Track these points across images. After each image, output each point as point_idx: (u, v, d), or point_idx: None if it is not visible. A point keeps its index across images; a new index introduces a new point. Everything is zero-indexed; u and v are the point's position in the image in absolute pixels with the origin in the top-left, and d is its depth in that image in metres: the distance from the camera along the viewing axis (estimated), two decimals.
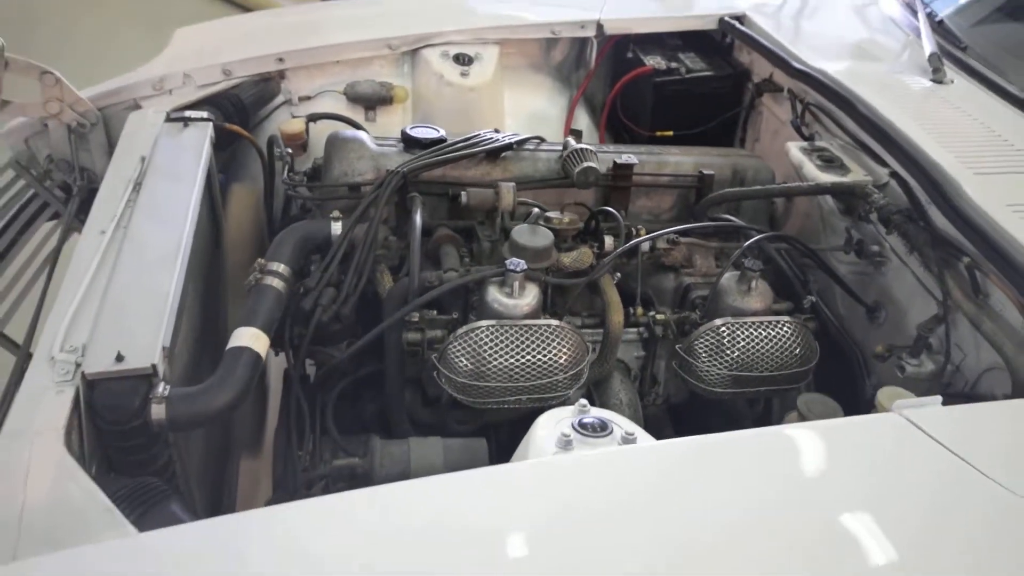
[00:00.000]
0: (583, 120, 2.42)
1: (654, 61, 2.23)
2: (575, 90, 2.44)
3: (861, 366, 1.55)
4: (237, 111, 2.06)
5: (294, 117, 2.12)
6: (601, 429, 1.09)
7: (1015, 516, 0.93)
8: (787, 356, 1.41)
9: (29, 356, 1.71)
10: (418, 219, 1.46)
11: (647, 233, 1.56)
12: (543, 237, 1.43)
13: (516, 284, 1.35)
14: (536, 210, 1.52)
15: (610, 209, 1.56)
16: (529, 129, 2.28)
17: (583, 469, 0.98)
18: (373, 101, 2.15)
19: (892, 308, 1.63)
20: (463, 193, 1.54)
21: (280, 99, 2.17)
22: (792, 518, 0.92)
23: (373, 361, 1.50)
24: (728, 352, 1.40)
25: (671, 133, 2.22)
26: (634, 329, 1.56)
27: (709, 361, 1.42)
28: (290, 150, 1.80)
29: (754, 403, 1.60)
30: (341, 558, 0.89)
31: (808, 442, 1.03)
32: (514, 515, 0.92)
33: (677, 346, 1.46)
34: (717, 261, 1.63)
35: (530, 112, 2.33)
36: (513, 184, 1.54)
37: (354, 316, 1.44)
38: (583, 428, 1.09)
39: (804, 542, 0.89)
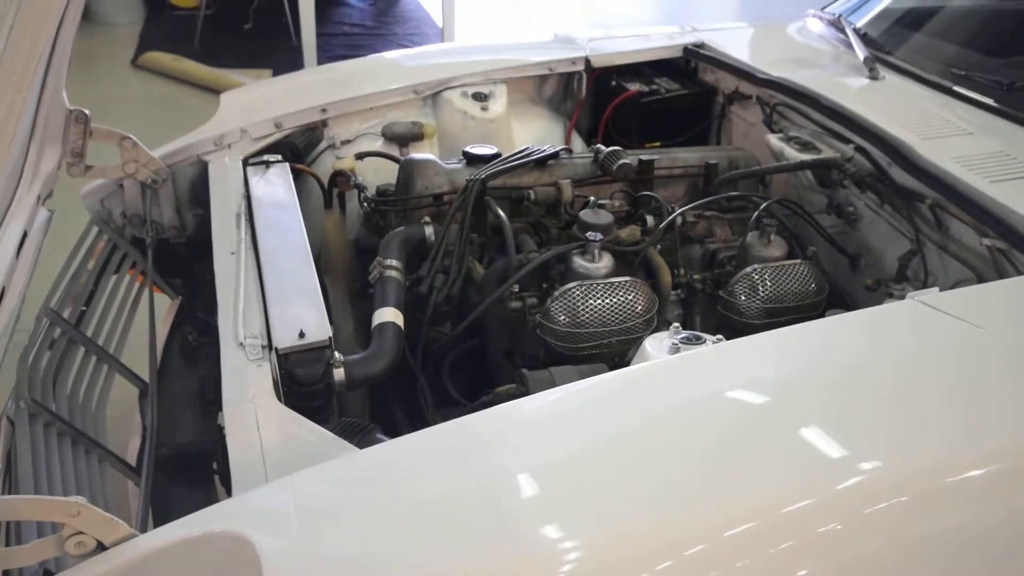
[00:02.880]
0: (577, 143, 2.81)
1: (637, 86, 2.65)
2: (566, 118, 2.83)
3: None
4: (293, 156, 2.37)
5: (338, 158, 2.43)
6: (697, 339, 1.43)
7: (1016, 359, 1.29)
8: (806, 290, 1.79)
9: (145, 384, 1.95)
10: (502, 213, 1.80)
11: (678, 208, 1.93)
12: (605, 216, 1.79)
13: (596, 251, 1.70)
14: (592, 198, 1.88)
15: (651, 193, 1.93)
16: None
17: (709, 358, 1.31)
18: (407, 138, 2.48)
19: (870, 255, 2.04)
20: (530, 191, 1.89)
21: (324, 144, 2.48)
22: (865, 373, 1.26)
23: (472, 337, 1.81)
24: (761, 290, 1.77)
25: (658, 144, 2.63)
26: (674, 291, 1.91)
27: (747, 300, 1.78)
28: (361, 178, 2.12)
29: None
30: (530, 451, 1.13)
31: (859, 324, 1.39)
32: (671, 398, 1.22)
33: (720, 291, 1.82)
34: (732, 229, 2.01)
35: (533, 139, 2.69)
36: (570, 181, 1.90)
37: (460, 296, 1.75)
38: (683, 340, 1.43)
39: (880, 391, 1.22)
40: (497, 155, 2.00)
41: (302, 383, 1.43)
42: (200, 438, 1.82)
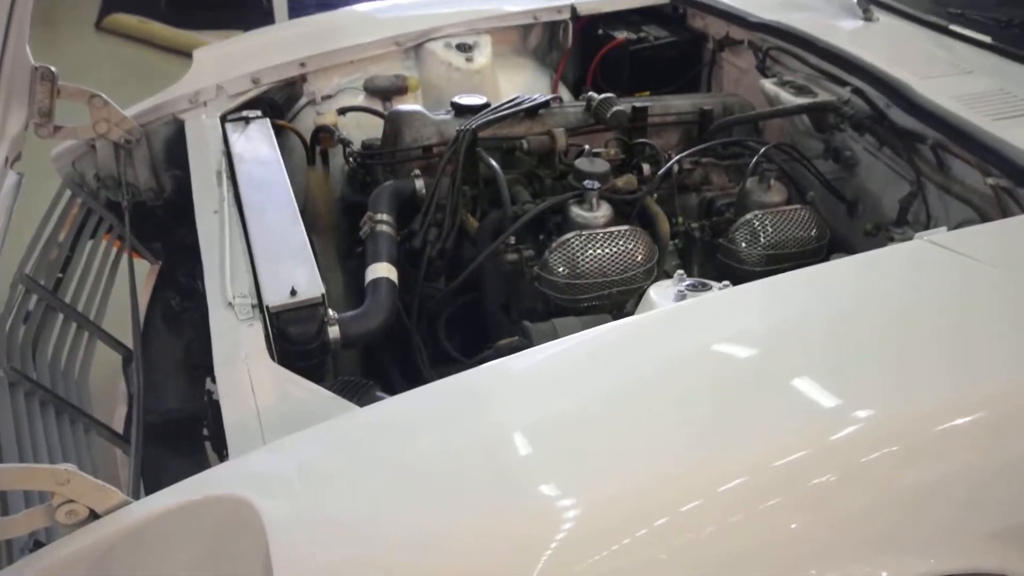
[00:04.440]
0: (564, 94, 2.74)
1: (624, 35, 2.57)
2: (552, 70, 2.75)
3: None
4: (274, 112, 2.28)
5: (319, 114, 2.35)
6: (703, 286, 1.39)
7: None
8: (807, 235, 1.75)
9: (128, 351, 1.89)
10: (494, 163, 1.73)
11: (673, 155, 1.88)
12: (601, 165, 1.74)
13: (594, 200, 1.64)
14: (587, 147, 1.82)
15: (647, 141, 1.88)
16: None
17: (714, 305, 1.27)
18: (390, 92, 2.40)
19: (868, 199, 2.00)
20: (523, 141, 1.82)
21: (304, 99, 2.39)
22: (871, 318, 1.23)
23: (468, 292, 1.76)
24: (762, 237, 1.73)
25: (648, 93, 2.56)
26: (672, 240, 1.87)
27: (748, 247, 1.74)
28: (344, 133, 2.04)
29: None
30: (535, 401, 1.10)
31: (867, 266, 1.36)
32: (678, 348, 1.18)
33: (720, 239, 1.78)
34: (729, 176, 1.97)
35: (519, 90, 2.60)
36: (563, 129, 1.84)
37: (454, 250, 1.69)
38: (689, 287, 1.39)
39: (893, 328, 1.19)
40: (487, 105, 1.94)
41: (296, 342, 1.37)
42: (188, 404, 1.77)
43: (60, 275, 2.05)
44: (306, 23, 2.65)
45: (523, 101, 1.94)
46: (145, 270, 2.36)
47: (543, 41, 2.75)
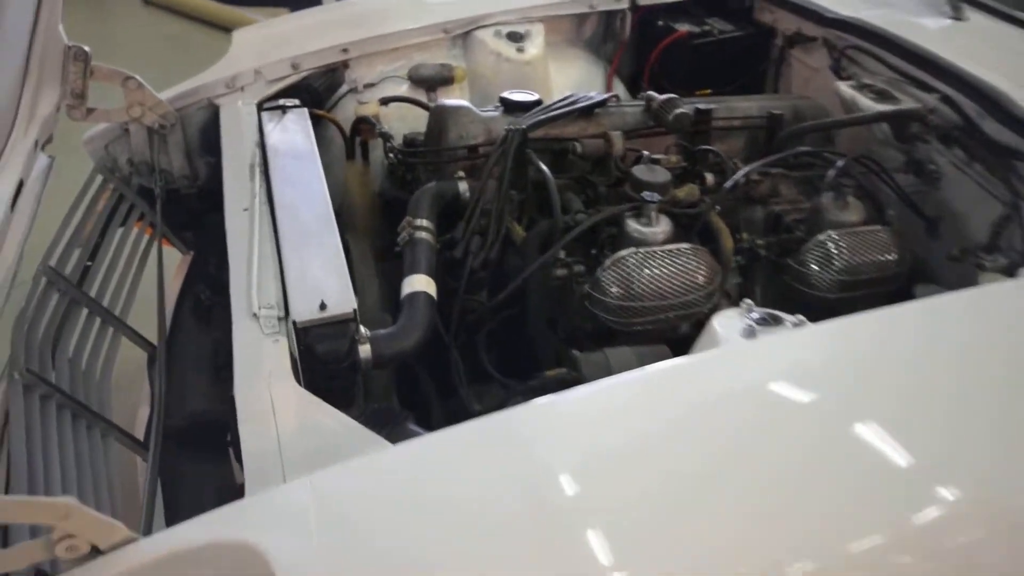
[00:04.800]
0: (619, 88, 2.58)
1: (686, 27, 2.41)
2: (606, 62, 2.60)
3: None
4: (312, 102, 2.16)
5: (360, 103, 2.23)
6: (774, 320, 1.25)
7: None
8: (886, 260, 1.59)
9: (154, 348, 1.80)
10: (545, 168, 1.60)
11: (742, 167, 1.72)
12: (661, 174, 1.59)
13: (653, 214, 1.50)
14: (645, 153, 1.67)
15: (711, 148, 1.73)
16: None
17: (789, 346, 1.13)
18: (435, 82, 2.27)
19: (952, 219, 1.82)
20: (576, 144, 1.68)
21: (345, 87, 2.28)
22: (972, 375, 1.07)
23: (512, 306, 1.63)
24: (836, 260, 1.58)
25: (709, 91, 2.40)
26: (734, 257, 1.72)
27: (820, 270, 1.59)
28: (387, 127, 1.92)
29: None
30: (579, 446, 0.99)
31: (967, 308, 1.20)
32: (746, 396, 1.04)
33: (788, 259, 1.62)
34: (799, 189, 1.81)
35: (572, 84, 2.47)
36: (620, 132, 1.69)
37: (498, 261, 1.57)
38: (758, 321, 1.24)
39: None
40: (538, 102, 1.80)
41: (323, 361, 1.26)
42: (213, 407, 1.68)
43: (89, 263, 1.97)
44: (350, 6, 2.53)
45: (578, 100, 1.80)
46: (176, 260, 2.29)
47: (598, 31, 2.59)
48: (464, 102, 1.81)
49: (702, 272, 1.48)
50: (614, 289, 1.46)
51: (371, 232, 1.92)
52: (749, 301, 1.29)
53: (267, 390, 1.20)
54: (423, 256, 1.47)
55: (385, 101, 2.16)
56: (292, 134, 1.82)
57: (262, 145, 1.79)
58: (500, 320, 1.64)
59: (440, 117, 1.76)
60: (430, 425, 1.59)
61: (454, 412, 1.58)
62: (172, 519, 1.49)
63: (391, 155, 1.82)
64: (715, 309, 1.55)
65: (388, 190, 2.02)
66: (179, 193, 2.20)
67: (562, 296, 1.57)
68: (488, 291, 1.62)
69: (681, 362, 1.12)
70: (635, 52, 2.58)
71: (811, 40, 2.23)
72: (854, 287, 1.58)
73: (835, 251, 1.58)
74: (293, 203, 1.57)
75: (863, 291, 1.59)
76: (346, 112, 2.23)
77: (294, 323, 1.27)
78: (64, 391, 1.55)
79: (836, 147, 2.08)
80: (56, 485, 1.41)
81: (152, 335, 1.88)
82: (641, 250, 1.48)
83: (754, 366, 1.10)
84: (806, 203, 1.75)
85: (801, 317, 1.25)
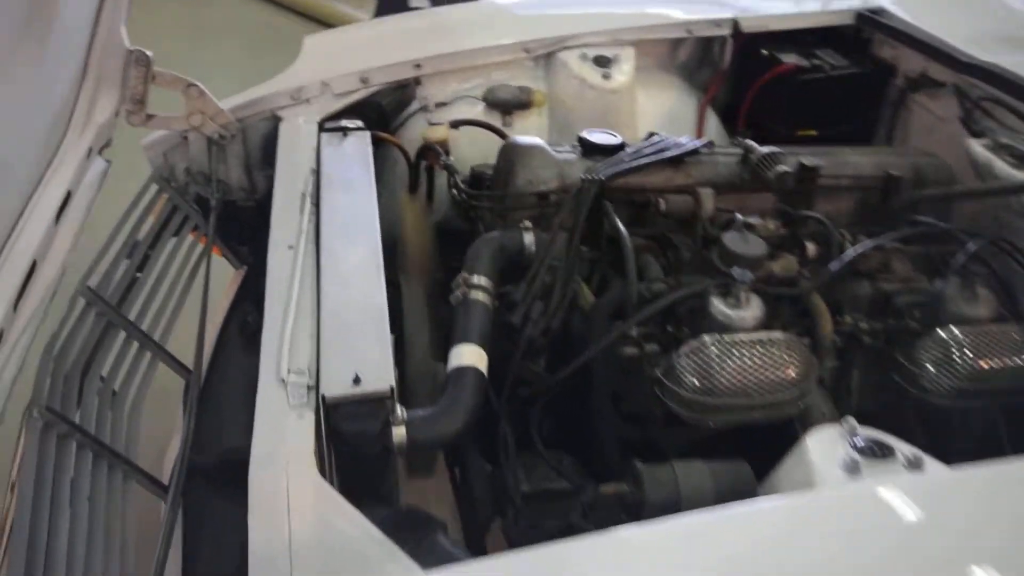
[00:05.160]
0: (712, 121, 2.36)
1: (793, 58, 2.17)
2: (700, 91, 2.38)
3: None
4: (379, 120, 2.03)
5: (431, 124, 2.08)
6: (883, 451, 1.04)
7: None
8: (1020, 366, 1.35)
9: (199, 379, 1.70)
10: (622, 228, 1.41)
11: (850, 238, 1.50)
12: (756, 245, 1.38)
13: (742, 295, 1.30)
14: (739, 216, 1.47)
15: (817, 215, 1.51)
16: (660, 131, 2.24)
17: (909, 497, 0.92)
18: (512, 106, 2.11)
19: None
20: (660, 200, 1.49)
21: (415, 105, 2.13)
22: None
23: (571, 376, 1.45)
24: (958, 363, 1.34)
25: (814, 133, 2.16)
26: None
27: (937, 372, 1.36)
28: (453, 158, 1.76)
29: (965, 414, 1.53)
30: None
31: None
32: (852, 554, 0.86)
33: (896, 352, 1.40)
34: (915, 265, 1.57)
35: (662, 114, 2.27)
36: (712, 190, 1.49)
37: (561, 329, 1.39)
38: (863, 451, 1.04)
39: None
40: (621, 146, 1.60)
41: (352, 443, 1.12)
42: (250, 443, 1.56)
43: (138, 273, 1.89)
44: (430, 15, 2.38)
45: (667, 145, 1.60)
46: (229, 275, 2.19)
47: (694, 56, 2.38)
48: (537, 141, 1.63)
49: (795, 367, 1.27)
50: (690, 380, 1.27)
51: (427, 270, 1.77)
52: (852, 422, 1.08)
53: (284, 477, 1.06)
54: (476, 322, 1.30)
55: (456, 124, 2.00)
56: (350, 162, 1.68)
57: (317, 172, 1.65)
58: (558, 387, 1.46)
59: (510, 156, 1.59)
60: (468, 495, 1.44)
61: (498, 487, 1.42)
62: (190, 571, 1.37)
63: (455, 192, 1.66)
64: (806, 409, 1.34)
65: (451, 219, 1.87)
66: (236, 205, 2.10)
67: (630, 376, 1.38)
68: (547, 360, 1.44)
69: (766, 506, 0.93)
70: (733, 81, 2.35)
71: (939, 85, 1.97)
72: (976, 396, 1.35)
73: (957, 352, 1.34)
74: (340, 247, 1.42)
75: (986, 401, 1.35)
76: (414, 132, 2.08)
77: (323, 397, 1.13)
78: (85, 430, 1.45)
79: (954, 217, 1.83)
80: (62, 536, 1.31)
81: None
82: (725, 337, 1.27)
83: (860, 523, 0.89)
84: (923, 283, 1.52)
85: (918, 453, 1.03)
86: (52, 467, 1.34)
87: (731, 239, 1.39)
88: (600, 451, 1.42)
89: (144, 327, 1.81)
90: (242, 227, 2.10)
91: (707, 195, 1.47)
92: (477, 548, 1.46)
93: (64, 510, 1.33)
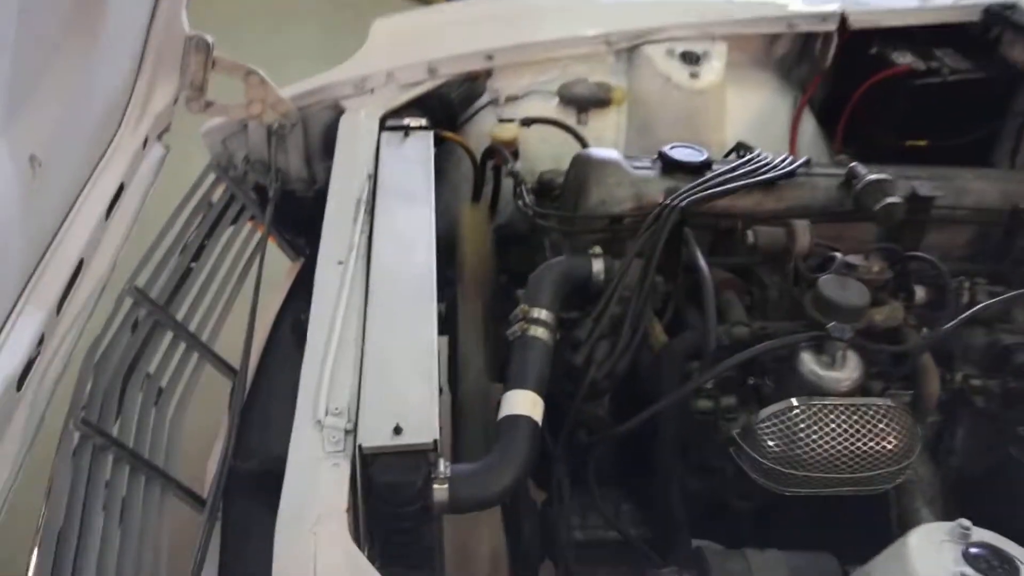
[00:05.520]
0: (808, 122, 2.15)
1: (907, 59, 1.94)
2: (798, 90, 2.17)
3: None
4: (445, 114, 1.91)
5: (500, 120, 1.94)
6: (1002, 566, 0.87)
7: None
8: None
9: (243, 383, 1.63)
10: (703, 263, 1.26)
11: (969, 284, 1.31)
12: (858, 293, 1.21)
13: (839, 354, 1.13)
14: (839, 255, 1.29)
15: (930, 258, 1.32)
16: (751, 135, 2.05)
17: None
18: (588, 103, 1.95)
19: None
20: (749, 232, 1.32)
21: (485, 99, 2.00)
22: None
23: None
24: None
25: (924, 143, 1.94)
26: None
27: None
28: (521, 159, 1.62)
29: None
30: None
31: None
32: None
33: (1013, 418, 1.22)
34: None
35: (753, 115, 2.08)
36: (808, 222, 1.31)
37: (628, 372, 1.26)
38: (978, 563, 0.88)
39: None
40: (707, 164, 1.44)
41: (388, 500, 1.02)
42: None
43: (192, 263, 1.84)
44: (501, 2, 2.22)
45: (760, 165, 1.43)
46: (286, 267, 2.13)
47: (791, 52, 2.16)
48: (614, 155, 1.47)
49: (896, 440, 1.11)
50: (771, 447, 1.12)
51: (486, 282, 1.64)
52: (967, 524, 0.92)
53: (312, 541, 0.97)
54: (535, 364, 1.17)
55: (527, 123, 1.86)
56: (410, 167, 1.56)
57: (375, 176, 1.55)
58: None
59: (582, 171, 1.44)
60: (516, 532, 1.33)
61: (549, 528, 1.32)
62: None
63: (521, 204, 1.52)
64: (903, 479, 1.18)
65: (517, 223, 1.74)
66: (294, 196, 2.02)
67: (701, 429, 1.24)
68: (610, 403, 1.31)
69: None
70: (834, 81, 2.13)
71: None
72: None
73: None
74: (392, 267, 1.31)
75: None
76: (482, 128, 1.95)
77: (360, 447, 1.03)
78: (122, 443, 1.40)
79: None
80: (92, 549, 1.26)
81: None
82: (815, 401, 1.12)
83: None
84: None
85: None
86: (85, 481, 1.29)
87: (829, 285, 1.21)
88: (662, 500, 1.29)
89: (194, 324, 1.76)
90: (300, 218, 2.02)
91: (803, 228, 1.30)
92: None
93: (96, 522, 1.28)
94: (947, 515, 1.32)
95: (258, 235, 1.97)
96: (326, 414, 1.09)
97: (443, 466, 1.04)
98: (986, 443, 1.35)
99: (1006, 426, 1.28)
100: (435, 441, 1.03)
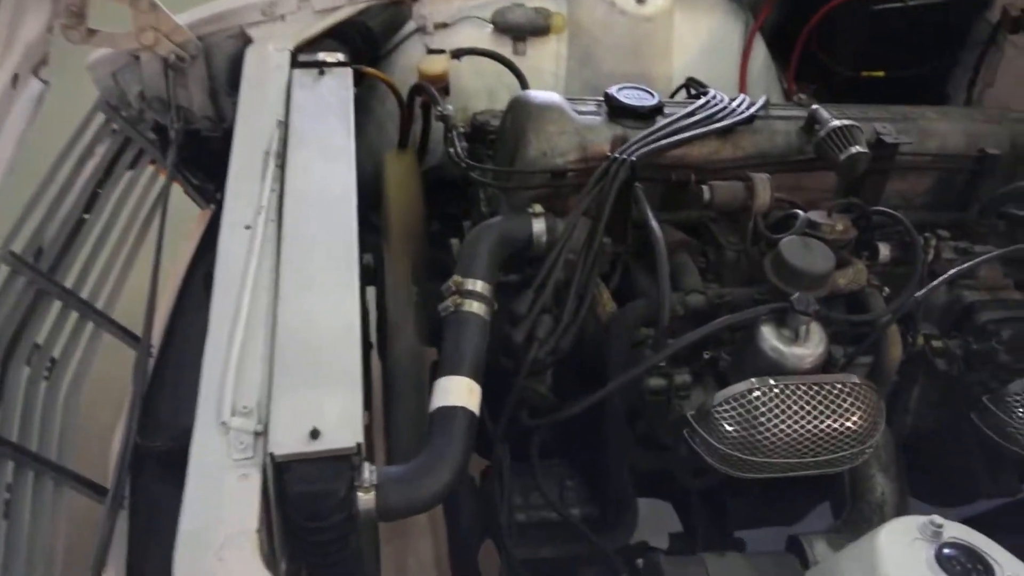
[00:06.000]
0: (760, 51, 2.01)
1: None
2: (749, 15, 2.02)
3: None
4: (366, 45, 1.71)
5: (429, 50, 1.75)
6: (975, 569, 0.81)
7: None
8: None
9: (147, 352, 1.47)
10: (655, 224, 1.13)
11: (935, 241, 1.23)
12: (822, 257, 1.10)
13: (803, 328, 1.04)
14: (801, 214, 1.18)
15: (894, 213, 1.22)
16: (700, 65, 1.91)
17: None
18: (525, 31, 1.78)
19: None
20: (705, 187, 1.20)
21: (412, 26, 1.80)
22: None
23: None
24: None
25: (882, 74, 1.83)
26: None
27: None
28: (451, 107, 1.45)
29: None
30: None
31: None
32: None
33: (976, 387, 1.15)
34: (1006, 270, 1.30)
35: (702, 44, 1.93)
36: (768, 176, 1.19)
37: (573, 347, 1.14)
38: (952, 567, 0.81)
39: None
40: (659, 108, 1.29)
41: (306, 513, 0.89)
42: None
43: (84, 215, 1.64)
44: None
45: (717, 111, 1.29)
46: (194, 216, 1.93)
47: None
48: (555, 99, 1.31)
49: (860, 418, 1.03)
50: (729, 431, 1.02)
51: (416, 237, 1.49)
52: (940, 522, 0.85)
53: (217, 566, 0.84)
54: (470, 344, 1.05)
55: (458, 54, 1.68)
56: (326, 113, 1.38)
57: (286, 124, 1.36)
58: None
59: (519, 119, 1.28)
60: (455, 517, 1.24)
61: (490, 510, 1.23)
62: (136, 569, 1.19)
63: (452, 153, 1.36)
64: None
65: (450, 165, 1.58)
66: (201, 135, 1.81)
67: (653, 406, 1.14)
68: (554, 374, 1.20)
69: None
70: (790, 4, 1.99)
71: None
72: None
73: None
74: (307, 233, 1.15)
75: None
76: (410, 59, 1.76)
77: (271, 456, 0.90)
78: (4, 440, 1.24)
79: None
80: None
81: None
82: (776, 382, 1.02)
83: None
84: (1016, 294, 1.26)
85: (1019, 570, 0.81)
86: None
87: (791, 248, 1.10)
88: (608, 480, 1.21)
89: (88, 287, 1.58)
90: (209, 160, 1.82)
91: (763, 183, 1.18)
92: (463, 569, 1.28)
93: None
94: (899, 480, 1.28)
95: (161, 181, 1.77)
96: (232, 414, 0.95)
97: (368, 472, 0.92)
98: (941, 401, 1.30)
99: (968, 389, 1.21)
100: (359, 444, 0.91)
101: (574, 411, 1.10)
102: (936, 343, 1.23)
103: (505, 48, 1.77)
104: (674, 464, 1.21)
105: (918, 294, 1.14)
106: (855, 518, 1.25)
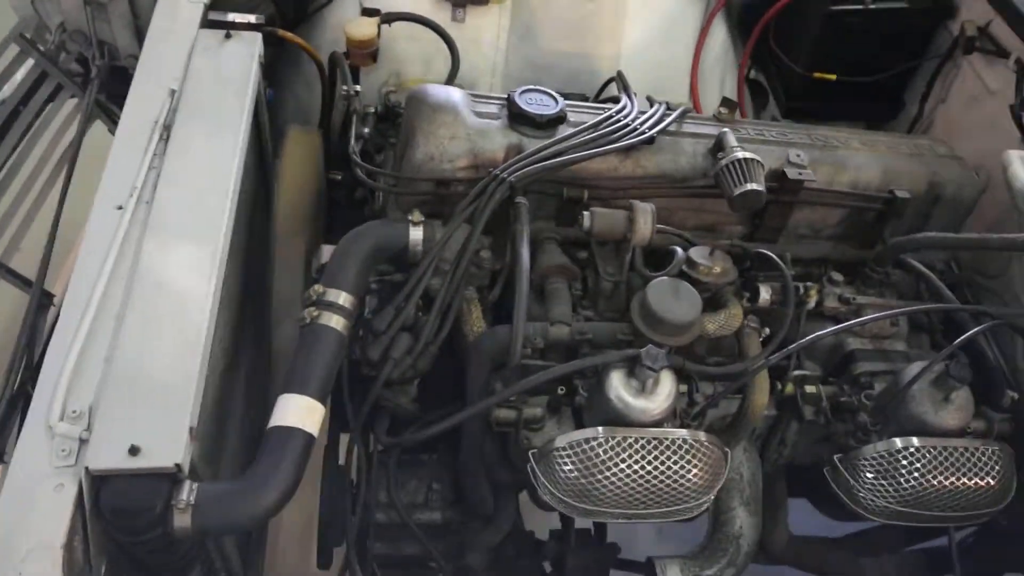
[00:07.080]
0: (719, 35, 1.92)
1: None
2: None
3: None
4: (290, 5, 1.62)
5: (364, 10, 1.66)
6: None
7: None
8: (978, 492, 1.10)
9: (47, 297, 1.45)
10: (526, 252, 1.10)
11: (822, 287, 1.20)
12: (689, 306, 1.08)
13: (650, 382, 1.02)
14: (680, 252, 1.15)
15: (772, 256, 1.19)
16: (655, 47, 1.83)
17: None
18: None
19: None
20: (585, 215, 1.15)
21: None
22: None
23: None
24: (903, 484, 1.09)
25: (834, 77, 1.75)
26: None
27: (874, 486, 1.11)
28: (359, 88, 1.39)
29: None
30: None
31: None
32: None
33: (836, 456, 1.15)
34: (893, 322, 1.27)
35: (657, 24, 1.84)
36: (652, 208, 1.15)
37: (429, 369, 1.13)
38: None
39: None
40: (559, 118, 1.24)
41: (117, 528, 0.90)
42: None
43: None
44: None
45: (618, 128, 1.23)
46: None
47: None
48: (453, 97, 1.25)
49: (696, 475, 1.02)
50: (566, 473, 1.02)
51: (310, 220, 1.45)
52: None
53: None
54: (320, 362, 1.03)
55: (388, 19, 1.60)
56: (223, 84, 1.31)
57: (180, 91, 1.30)
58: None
59: (410, 118, 1.22)
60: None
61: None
62: None
63: (353, 152, 1.30)
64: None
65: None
66: (128, 73, 1.74)
67: (504, 438, 1.14)
68: (416, 391, 1.20)
69: None
70: None
71: (1001, 55, 1.53)
72: (910, 519, 1.12)
73: (906, 473, 1.09)
74: (175, 218, 1.12)
75: (920, 524, 1.13)
76: (342, 17, 1.67)
77: (87, 469, 0.90)
78: None
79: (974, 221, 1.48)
80: None
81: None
82: (616, 435, 1.01)
83: None
84: (898, 343, 1.24)
85: None
86: None
87: (657, 292, 1.07)
88: (468, 493, 1.23)
89: None
90: None
91: (645, 215, 1.13)
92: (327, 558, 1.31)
93: None
94: (759, 515, 1.29)
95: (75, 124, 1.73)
96: (61, 418, 0.95)
97: (187, 492, 0.92)
98: (822, 438, 1.30)
99: (832, 437, 1.21)
100: (178, 465, 0.91)
101: (430, 434, 1.10)
102: (810, 388, 1.22)
103: (444, 13, 1.69)
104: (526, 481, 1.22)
105: (776, 356, 1.11)
106: (712, 547, 1.27)
